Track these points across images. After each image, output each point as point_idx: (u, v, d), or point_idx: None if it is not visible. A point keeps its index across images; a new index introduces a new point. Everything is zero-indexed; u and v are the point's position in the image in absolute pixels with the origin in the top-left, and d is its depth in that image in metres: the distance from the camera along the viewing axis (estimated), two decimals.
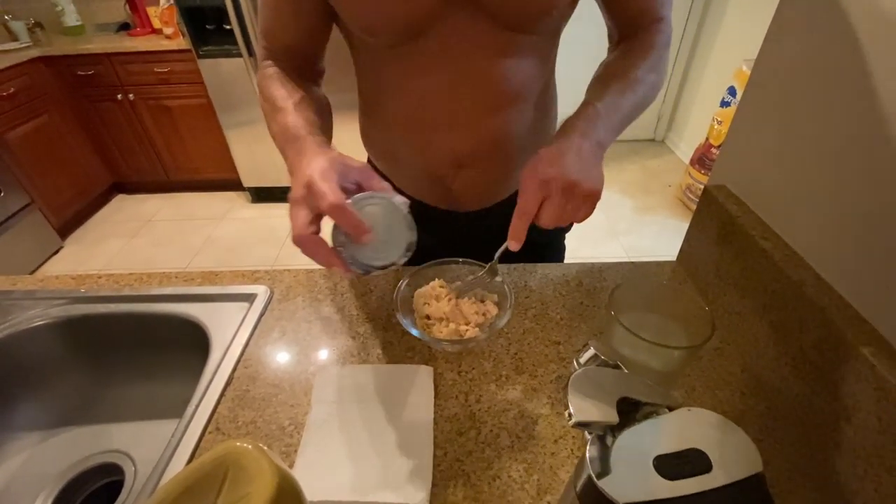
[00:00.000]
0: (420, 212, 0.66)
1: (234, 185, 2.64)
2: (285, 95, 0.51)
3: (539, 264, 0.69)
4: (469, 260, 0.59)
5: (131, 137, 2.54)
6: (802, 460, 0.43)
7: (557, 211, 0.41)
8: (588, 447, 0.22)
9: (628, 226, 2.33)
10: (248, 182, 2.58)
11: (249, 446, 0.28)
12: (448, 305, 0.55)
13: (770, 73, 0.51)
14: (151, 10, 2.35)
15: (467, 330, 0.53)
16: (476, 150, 0.58)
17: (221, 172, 2.61)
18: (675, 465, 0.21)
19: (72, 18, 2.50)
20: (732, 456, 0.21)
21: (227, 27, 2.04)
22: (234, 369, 0.55)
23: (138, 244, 2.41)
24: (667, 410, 0.23)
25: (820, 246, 0.45)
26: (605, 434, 0.22)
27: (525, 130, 0.59)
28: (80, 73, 2.32)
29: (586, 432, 0.23)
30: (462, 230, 0.69)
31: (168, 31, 2.29)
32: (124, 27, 2.54)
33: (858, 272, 0.41)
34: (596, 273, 0.67)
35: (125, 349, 0.68)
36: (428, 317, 0.55)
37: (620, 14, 0.56)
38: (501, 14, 0.48)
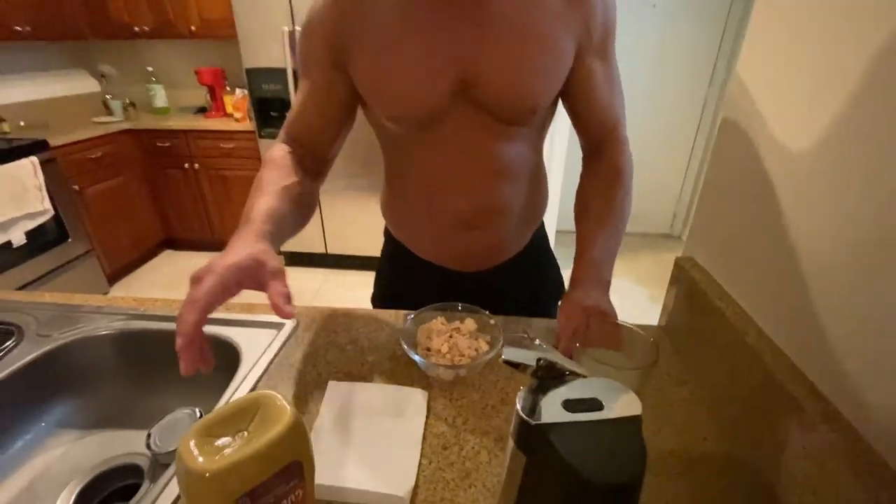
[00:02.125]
0: (431, 273, 0.78)
1: None
2: (273, 180, 0.58)
3: (542, 319, 0.78)
4: (468, 305, 0.69)
5: (188, 200, 2.85)
6: (758, 499, 0.47)
7: (602, 329, 0.52)
8: (518, 397, 0.30)
9: (641, 312, 2.36)
10: (284, 246, 2.79)
11: (276, 394, 0.36)
12: (447, 340, 0.64)
13: (714, 177, 0.63)
14: (227, 98, 2.77)
15: (461, 360, 0.61)
16: (479, 213, 0.70)
17: None
18: (577, 405, 0.28)
19: (160, 101, 2.96)
20: (621, 405, 0.28)
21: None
22: (258, 381, 0.64)
23: (175, 296, 2.58)
24: (586, 380, 0.31)
25: (761, 305, 0.53)
26: (534, 391, 0.30)
27: (519, 200, 0.72)
28: (158, 144, 2.70)
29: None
30: (467, 290, 0.78)
31: (238, 115, 2.68)
32: (202, 110, 2.98)
33: (790, 326, 0.48)
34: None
35: (166, 363, 0.77)
36: (428, 349, 0.64)
37: (584, 124, 0.69)
38: (497, 111, 0.62)
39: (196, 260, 2.96)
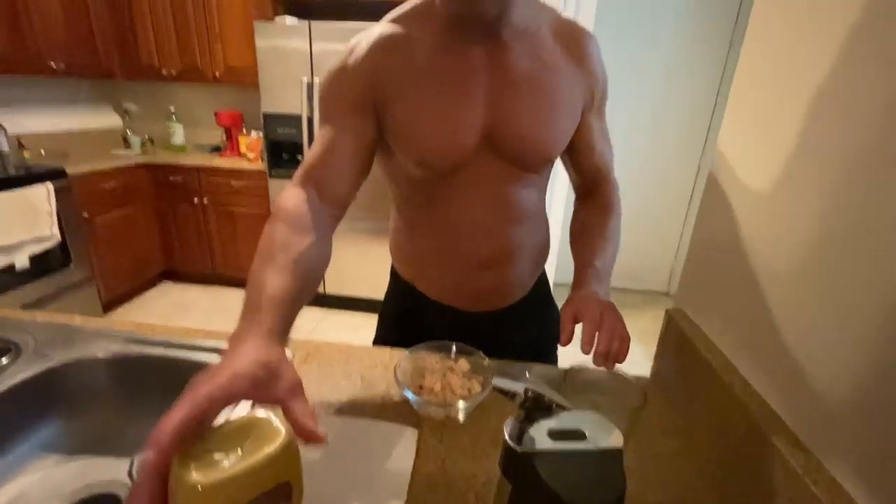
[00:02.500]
0: (439, 313, 0.80)
1: None
2: (286, 245, 0.52)
3: (535, 364, 0.78)
4: (462, 345, 0.70)
5: (194, 233, 2.90)
6: None
7: (611, 324, 0.54)
8: (506, 425, 0.31)
9: (639, 369, 2.33)
10: None
11: (272, 415, 0.37)
12: (440, 379, 0.65)
13: (702, 233, 0.66)
14: (242, 139, 2.89)
15: (453, 399, 0.62)
16: (494, 255, 0.73)
17: None
18: (562, 435, 0.29)
19: (178, 139, 3.09)
20: (604, 437, 0.29)
21: (299, 157, 2.49)
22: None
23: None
24: (571, 412, 0.32)
25: (746, 357, 0.54)
26: (522, 421, 0.31)
27: (530, 242, 0.76)
28: (171, 178, 2.78)
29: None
30: (472, 331, 0.78)
31: (251, 155, 2.79)
32: (216, 149, 3.10)
33: (773, 378, 0.49)
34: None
35: (157, 390, 0.77)
36: (421, 386, 0.65)
37: (582, 170, 0.77)
38: (516, 159, 0.67)
39: (193, 293, 2.96)
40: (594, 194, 0.78)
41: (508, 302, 0.81)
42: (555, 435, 0.30)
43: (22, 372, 0.71)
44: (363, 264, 2.58)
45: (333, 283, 2.74)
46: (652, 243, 3.26)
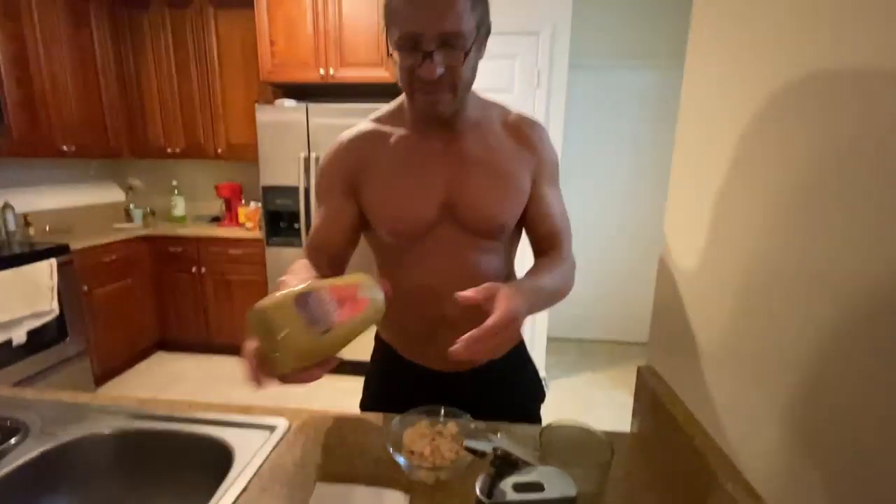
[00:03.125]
0: (416, 372, 0.86)
1: None
2: (299, 272, 0.76)
3: (524, 425, 0.82)
4: (451, 409, 0.75)
5: (190, 302, 2.94)
6: None
7: (498, 322, 0.58)
8: (478, 480, 0.36)
9: None
10: None
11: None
12: (430, 443, 0.69)
13: (661, 292, 0.74)
14: (241, 210, 3.02)
15: (443, 462, 0.66)
16: (459, 315, 0.78)
17: None
18: (524, 487, 0.34)
19: (179, 211, 3.21)
20: (560, 487, 0.35)
21: (296, 226, 2.60)
22: (249, 482, 0.67)
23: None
24: (536, 467, 0.38)
25: (706, 409, 0.60)
26: (492, 476, 0.36)
27: None
28: (170, 249, 2.87)
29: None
30: (449, 390, 0.85)
31: (249, 225, 2.90)
32: (216, 219, 3.22)
33: (730, 429, 0.55)
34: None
35: (162, 463, 0.80)
36: (412, 451, 0.69)
37: (535, 234, 0.84)
38: (472, 228, 0.78)
39: (188, 362, 2.95)
40: (548, 254, 0.83)
41: (479, 362, 0.86)
42: (519, 487, 0.35)
43: (30, 451, 0.74)
44: None
45: None
46: (642, 295, 3.33)
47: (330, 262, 0.82)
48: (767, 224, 0.49)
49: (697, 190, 0.65)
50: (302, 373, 0.56)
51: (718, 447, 0.55)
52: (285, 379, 0.55)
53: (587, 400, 2.59)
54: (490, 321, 0.56)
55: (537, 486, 0.35)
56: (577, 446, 0.57)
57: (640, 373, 0.76)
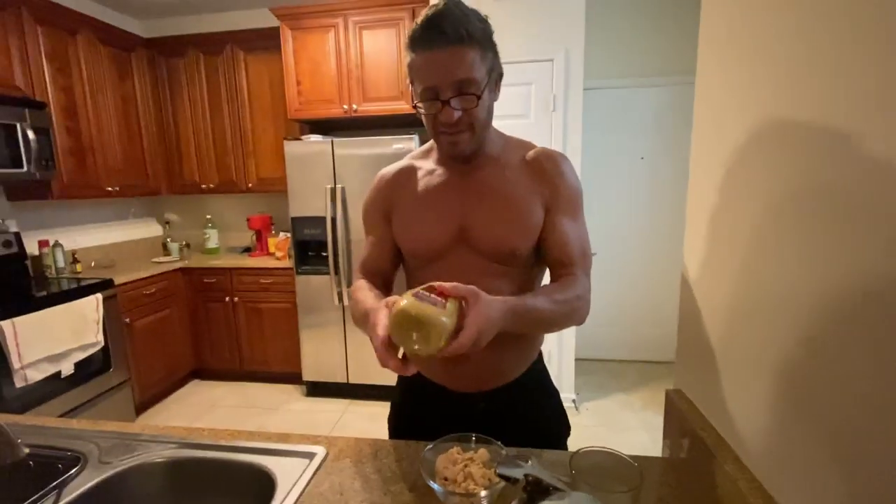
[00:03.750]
0: (440, 394, 0.89)
1: (293, 378, 2.95)
2: (367, 290, 0.85)
3: (552, 451, 0.84)
4: (481, 436, 0.77)
5: (223, 331, 3.04)
6: None
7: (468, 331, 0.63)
8: None
9: None
10: (307, 376, 2.87)
11: None
12: (462, 470, 0.71)
13: (686, 315, 0.75)
14: (271, 241, 3.14)
15: (475, 489, 0.68)
16: None
17: (287, 366, 2.96)
18: None
19: (213, 243, 3.36)
20: None
21: (324, 254, 2.69)
22: None
23: (202, 426, 2.60)
24: (568, 493, 0.39)
25: (737, 434, 0.60)
26: (524, 503, 0.39)
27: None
28: (205, 280, 3.00)
29: None
30: (472, 409, 0.89)
31: (279, 254, 3.01)
32: (247, 250, 3.35)
33: (764, 454, 0.55)
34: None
35: (209, 490, 0.84)
36: (445, 478, 0.71)
37: (552, 262, 0.86)
38: (484, 252, 0.83)
39: (222, 389, 3.03)
40: (560, 280, 0.85)
41: (499, 383, 0.89)
42: None
43: (89, 480, 0.79)
44: None
45: (357, 373, 2.80)
46: (668, 313, 3.26)
47: (383, 282, 0.94)
48: (788, 245, 0.51)
49: (713, 211, 0.67)
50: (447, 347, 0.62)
51: (751, 473, 0.55)
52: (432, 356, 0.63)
53: (618, 422, 2.53)
54: (457, 340, 0.62)
55: None
56: (607, 472, 0.58)
57: (669, 396, 0.77)
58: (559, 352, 2.64)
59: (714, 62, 0.68)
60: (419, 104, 0.77)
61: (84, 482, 0.79)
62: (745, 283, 0.58)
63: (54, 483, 0.78)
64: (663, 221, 3.17)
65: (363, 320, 0.77)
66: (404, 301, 0.63)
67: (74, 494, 0.76)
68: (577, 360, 2.78)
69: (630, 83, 3.05)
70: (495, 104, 0.83)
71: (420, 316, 0.61)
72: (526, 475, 0.39)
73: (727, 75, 0.63)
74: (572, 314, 0.80)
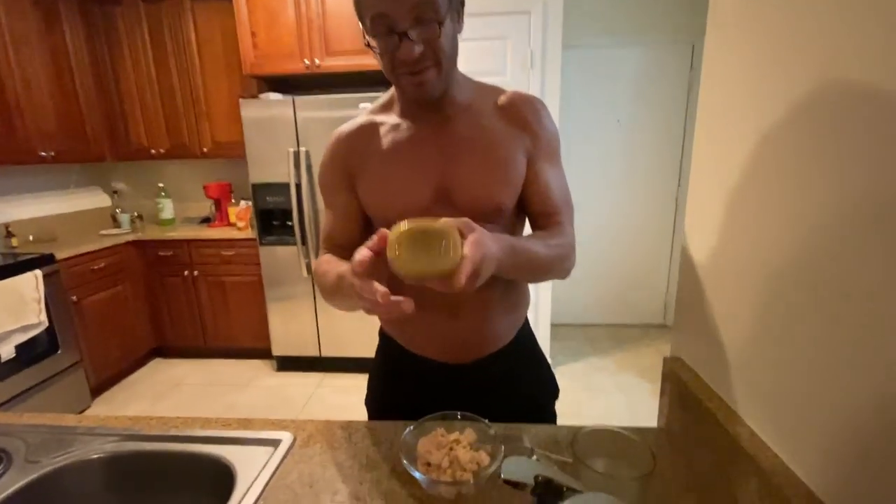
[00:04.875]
0: (421, 366, 0.80)
1: (263, 353, 2.83)
2: (335, 261, 0.74)
3: (542, 425, 0.78)
4: (467, 413, 0.70)
5: (184, 307, 2.87)
6: None
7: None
8: None
9: (647, 410, 2.29)
10: (277, 351, 2.76)
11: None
12: (447, 454, 0.64)
13: (686, 278, 0.69)
14: (231, 210, 2.93)
15: (463, 475, 0.60)
16: (460, 303, 0.76)
17: (255, 342, 2.83)
18: None
19: (167, 213, 3.12)
20: None
21: (289, 224, 2.53)
22: None
23: (161, 408, 2.48)
24: (581, 494, 0.32)
25: (748, 404, 0.55)
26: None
27: (498, 290, 0.78)
28: (160, 253, 2.79)
29: None
30: (457, 383, 0.81)
31: (241, 224, 2.82)
32: (206, 220, 3.13)
33: (779, 426, 0.50)
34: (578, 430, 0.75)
35: (158, 487, 0.74)
36: (429, 463, 0.63)
37: (531, 211, 0.79)
38: (467, 211, 0.71)
39: (186, 367, 2.89)
40: (546, 228, 0.79)
41: (485, 352, 0.82)
42: None
43: (13, 482, 0.68)
44: (357, 325, 2.57)
45: (329, 346, 2.70)
46: (642, 276, 3.31)
47: (347, 251, 0.79)
48: (793, 207, 0.44)
49: (720, 174, 0.59)
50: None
51: (772, 450, 0.50)
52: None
53: (594, 385, 2.56)
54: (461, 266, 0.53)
55: None
56: (613, 454, 0.52)
57: (668, 365, 0.71)
58: (535, 317, 2.61)
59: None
60: (371, 41, 0.65)
61: (7, 486, 0.68)
62: (772, 243, 0.51)
63: None
64: (638, 186, 3.15)
65: (336, 286, 0.68)
66: (405, 224, 0.56)
67: None
68: (552, 325, 2.77)
69: (607, 42, 2.94)
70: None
71: (430, 228, 0.55)
72: (536, 476, 0.31)
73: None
74: (563, 261, 0.74)
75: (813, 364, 0.45)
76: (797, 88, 0.46)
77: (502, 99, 0.78)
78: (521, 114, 0.76)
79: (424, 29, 0.63)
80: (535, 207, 0.79)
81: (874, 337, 0.38)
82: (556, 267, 0.73)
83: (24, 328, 2.10)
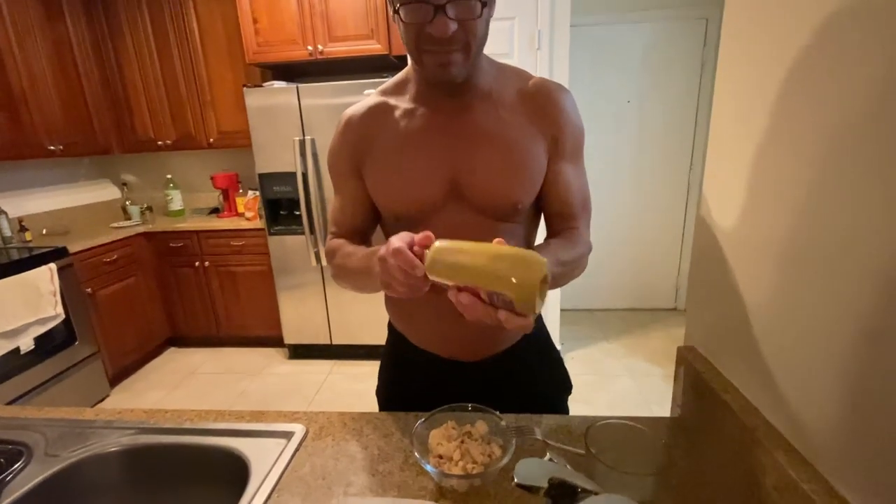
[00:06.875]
0: (430, 363, 0.80)
1: (275, 341, 2.87)
2: (350, 245, 0.74)
3: (552, 415, 0.77)
4: (478, 405, 0.69)
5: (196, 297, 2.90)
6: None
7: None
8: None
9: (658, 395, 2.28)
10: (289, 339, 2.79)
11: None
12: (458, 446, 0.64)
13: (698, 268, 0.67)
14: (239, 200, 2.94)
15: (474, 468, 0.60)
16: None
17: (267, 330, 2.86)
18: None
19: (176, 204, 3.14)
20: None
21: (297, 213, 2.53)
22: (268, 498, 0.63)
23: (177, 396, 2.53)
24: (597, 495, 0.32)
25: (765, 396, 0.54)
26: None
27: None
28: (171, 245, 2.81)
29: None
30: (467, 380, 0.80)
31: (249, 214, 2.83)
32: (215, 211, 3.15)
33: (795, 418, 0.49)
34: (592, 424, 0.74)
35: (172, 480, 0.76)
36: (440, 456, 0.63)
37: (548, 214, 0.77)
38: (482, 208, 0.70)
39: (201, 356, 2.94)
40: (562, 235, 0.76)
41: (494, 350, 0.80)
42: None
43: (35, 476, 0.70)
44: (368, 312, 2.58)
45: (340, 334, 2.72)
46: (653, 261, 3.26)
47: (361, 243, 0.79)
48: (816, 180, 0.42)
49: (739, 151, 0.57)
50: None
51: (790, 443, 0.49)
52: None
53: (603, 369, 2.55)
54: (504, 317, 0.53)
55: None
56: (626, 448, 0.51)
57: (681, 354, 0.70)
58: (544, 304, 2.60)
59: None
60: (400, 8, 0.60)
61: (28, 479, 0.69)
62: (789, 224, 0.49)
63: None
64: (649, 168, 3.09)
65: (360, 268, 0.67)
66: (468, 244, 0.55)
67: (17, 494, 0.67)
68: (562, 310, 2.76)
69: (614, 19, 2.85)
70: None
71: (510, 252, 0.53)
72: (550, 479, 0.31)
73: None
74: (578, 269, 0.71)
75: (833, 354, 0.43)
76: (823, 62, 0.44)
77: (529, 87, 0.73)
78: (545, 108, 0.72)
79: (463, 7, 0.58)
80: (553, 209, 0.76)
81: None
82: (571, 276, 0.71)
83: (42, 321, 2.14)
